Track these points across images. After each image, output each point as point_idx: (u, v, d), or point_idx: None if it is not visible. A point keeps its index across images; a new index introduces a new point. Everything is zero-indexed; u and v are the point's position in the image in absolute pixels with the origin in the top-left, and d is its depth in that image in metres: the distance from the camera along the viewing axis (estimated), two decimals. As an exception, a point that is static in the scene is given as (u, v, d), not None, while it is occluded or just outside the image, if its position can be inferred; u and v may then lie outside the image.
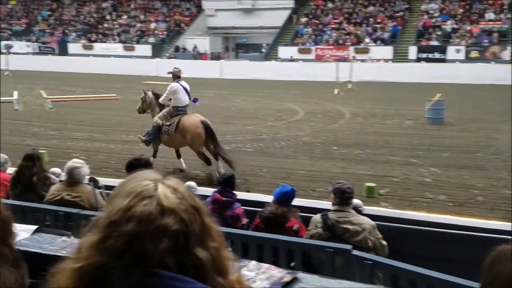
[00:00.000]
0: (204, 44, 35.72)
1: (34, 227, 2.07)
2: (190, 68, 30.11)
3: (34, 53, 36.47)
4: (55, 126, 13.53)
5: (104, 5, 40.75)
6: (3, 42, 37.13)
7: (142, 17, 38.55)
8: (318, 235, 4.13)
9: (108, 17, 39.27)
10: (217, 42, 37.40)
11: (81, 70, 31.34)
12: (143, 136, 9.70)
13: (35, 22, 40.55)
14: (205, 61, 33.12)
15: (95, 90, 22.20)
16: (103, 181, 5.41)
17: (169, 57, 33.85)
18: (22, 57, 34.61)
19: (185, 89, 9.45)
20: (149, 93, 9.99)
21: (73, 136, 12.28)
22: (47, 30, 39.14)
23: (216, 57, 34.33)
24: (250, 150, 10.97)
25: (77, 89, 22.42)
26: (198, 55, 34.32)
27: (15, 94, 18.77)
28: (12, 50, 35.15)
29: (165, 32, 36.85)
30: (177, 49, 35.42)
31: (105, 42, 36.47)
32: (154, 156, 9.32)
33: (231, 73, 29.07)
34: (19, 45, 37.27)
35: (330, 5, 35.43)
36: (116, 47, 35.57)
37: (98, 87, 23.18)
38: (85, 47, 36.15)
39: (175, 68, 9.97)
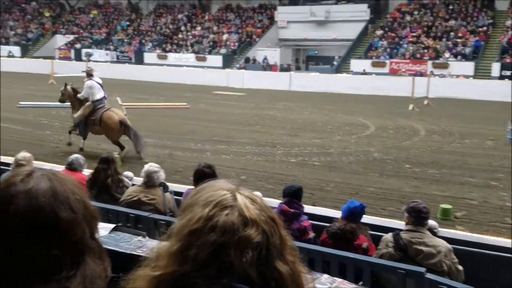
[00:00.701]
0: (274, 55, 35.90)
1: (112, 225, 2.11)
2: (259, 80, 30.47)
3: (112, 62, 38.18)
4: (129, 132, 13.91)
5: (179, 16, 42.08)
6: (84, 50, 39.22)
7: (215, 28, 39.40)
8: (389, 255, 3.92)
9: (183, 28, 40.48)
10: (288, 54, 37.45)
11: (155, 79, 32.40)
12: (75, 131, 11.31)
13: (114, 31, 42.54)
14: (274, 73, 33.23)
15: (167, 98, 22.77)
16: (171, 187, 5.49)
17: (239, 68, 34.31)
18: (101, 65, 36.35)
19: (99, 84, 11.23)
20: (68, 88, 11.57)
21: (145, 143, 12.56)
22: (125, 40, 40.93)
23: (285, 68, 34.34)
24: (317, 164, 10.72)
25: (151, 97, 23.09)
26: (267, 67, 34.52)
27: (92, 100, 19.69)
28: (92, 58, 36.99)
29: (236, 43, 37.40)
30: (247, 60, 35.83)
31: (178, 52, 37.57)
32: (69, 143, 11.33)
33: (300, 85, 28.92)
34: (98, 54, 39.18)
35: (408, 18, 34.50)
36: (189, 57, 36.53)
37: (170, 96, 23.77)
38: (160, 57, 37.41)
39: (88, 67, 12.40)
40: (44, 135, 13.06)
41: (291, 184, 5.37)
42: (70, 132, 11.52)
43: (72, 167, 6.04)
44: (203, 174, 4.91)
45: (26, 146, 11.33)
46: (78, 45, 40.99)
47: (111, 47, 40.29)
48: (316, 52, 38.06)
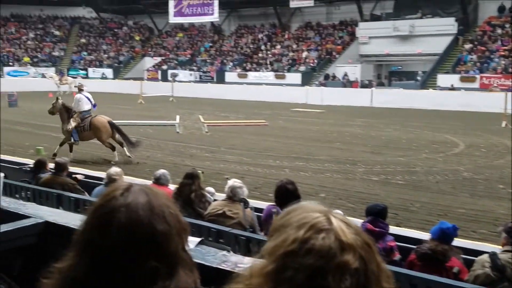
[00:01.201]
0: (355, 71, 35.33)
1: (198, 239, 2.13)
2: (339, 96, 30.08)
3: (195, 81, 39.52)
4: (210, 148, 14.17)
5: (260, 36, 42.78)
6: (170, 71, 40.94)
7: (294, 46, 39.58)
8: (486, 275, 3.66)
9: (262, 47, 41.09)
10: (369, 70, 36.70)
11: (235, 97, 33.08)
12: (70, 141, 12.38)
13: (198, 53, 44.09)
14: (355, 89, 32.65)
15: (247, 116, 23.09)
16: (251, 203, 5.55)
17: (318, 85, 34.12)
18: (185, 84, 37.76)
19: (87, 98, 12.68)
20: (59, 101, 12.76)
21: (225, 159, 12.71)
22: (208, 60, 42.25)
23: (366, 84, 33.62)
24: (401, 183, 10.23)
25: (231, 115, 23.53)
26: (348, 83, 33.99)
27: (177, 118, 20.38)
28: (177, 79, 38.52)
29: (315, 60, 37.28)
30: (326, 77, 35.55)
31: (258, 70, 38.11)
32: (71, 150, 12.30)
33: (382, 101, 28.16)
34: (183, 74, 40.73)
35: (499, 31, 32.60)
36: (268, 75, 36.91)
37: (249, 113, 24.08)
38: (240, 75, 38.16)
39: (79, 83, 14.68)
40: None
41: (375, 203, 5.12)
42: (61, 145, 12.42)
43: (160, 182, 6.26)
44: (286, 191, 4.91)
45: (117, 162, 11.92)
46: (164, 67, 42.90)
47: (195, 67, 41.74)
48: (400, 67, 36.98)
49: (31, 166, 8.34)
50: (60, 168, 6.96)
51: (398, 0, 36.50)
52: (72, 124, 12.12)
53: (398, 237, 5.05)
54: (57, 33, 48.33)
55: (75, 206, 6.02)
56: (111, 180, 6.31)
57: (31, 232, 2.15)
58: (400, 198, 9.00)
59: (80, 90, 12.87)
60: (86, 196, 6.59)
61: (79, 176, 7.60)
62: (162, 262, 1.06)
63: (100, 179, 8.33)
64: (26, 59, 44.08)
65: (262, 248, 1.02)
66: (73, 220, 2.24)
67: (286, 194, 4.89)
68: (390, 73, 37.63)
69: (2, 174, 2.49)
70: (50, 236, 2.18)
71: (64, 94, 34.28)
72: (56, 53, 46.18)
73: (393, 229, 5.62)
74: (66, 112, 12.47)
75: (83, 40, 48.01)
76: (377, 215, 4.57)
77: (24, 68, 43.14)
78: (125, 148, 12.15)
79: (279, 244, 0.97)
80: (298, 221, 0.98)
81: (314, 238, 0.94)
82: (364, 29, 36.27)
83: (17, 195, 6.30)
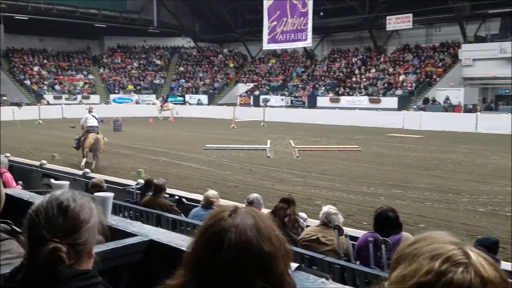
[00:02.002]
0: (458, 95, 33.50)
1: (296, 264, 2.09)
2: (440, 121, 28.72)
3: (287, 106, 39.83)
4: (301, 173, 14.08)
5: (354, 60, 42.35)
6: (262, 97, 41.68)
7: (390, 69, 38.63)
8: None
9: (356, 71, 40.57)
10: (473, 94, 34.64)
11: (327, 122, 32.82)
12: (74, 145, 16.00)
13: (290, 78, 44.54)
14: (458, 114, 30.93)
15: (339, 141, 22.75)
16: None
17: (416, 109, 32.86)
18: (276, 109, 38.20)
19: (94, 116, 16.07)
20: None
21: (316, 184, 12.54)
22: (300, 85, 42.48)
23: (470, 109, 31.75)
24: (510, 215, 9.41)
25: (322, 140, 23.31)
26: (450, 107, 32.34)
27: (268, 143, 20.59)
28: (268, 104, 39.08)
29: (414, 84, 36.03)
30: (426, 101, 34.14)
31: (351, 95, 37.59)
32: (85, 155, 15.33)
33: (488, 127, 26.46)
34: (275, 99, 41.26)
35: None
36: (362, 100, 36.23)
37: (342, 138, 23.72)
38: (332, 100, 37.86)
39: (90, 106, 18.28)
40: (225, 174, 13.91)
41: (486, 236, 4.72)
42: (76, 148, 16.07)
43: (253, 206, 6.26)
44: (387, 218, 4.71)
45: (210, 184, 12.23)
46: (257, 92, 43.79)
47: (286, 92, 42.14)
48: (507, 91, 34.57)
49: (139, 186, 8.79)
50: (159, 189, 7.23)
51: (504, 20, 34.43)
52: (80, 134, 15.87)
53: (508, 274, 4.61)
54: (158, 62, 51.36)
55: (173, 226, 6.20)
56: (208, 202, 6.46)
57: (136, 249, 2.20)
58: (509, 231, 8.26)
59: (90, 111, 16.58)
60: (183, 217, 6.77)
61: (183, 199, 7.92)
62: (269, 282, 1.08)
63: (194, 200, 8.57)
64: (130, 87, 47.20)
65: (389, 276, 1.00)
66: (175, 239, 2.27)
67: (387, 222, 4.67)
68: (496, 97, 35.26)
69: (112, 194, 2.60)
70: (154, 254, 2.21)
71: (164, 119, 36.18)
72: (157, 81, 49.01)
73: (502, 265, 5.16)
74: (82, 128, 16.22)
75: (181, 68, 50.54)
76: (488, 249, 4.20)
77: (128, 95, 46.21)
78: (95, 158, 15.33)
79: (410, 273, 0.94)
80: (431, 252, 0.95)
81: (452, 271, 0.90)
82: (467, 51, 34.46)
83: (120, 214, 6.62)
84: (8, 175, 8.30)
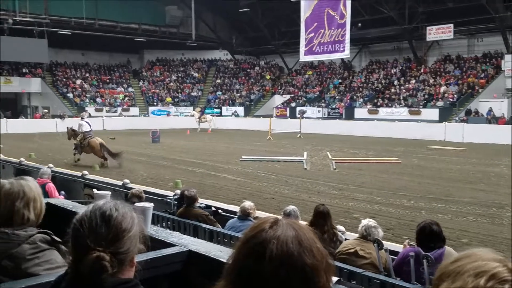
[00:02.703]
0: (501, 107, 32.48)
1: (336, 278, 2.07)
2: (483, 133, 27.89)
3: (323, 118, 39.60)
4: (338, 186, 13.92)
5: (393, 71, 41.80)
6: (298, 108, 41.61)
7: (431, 81, 37.90)
8: None
9: (396, 82, 40.00)
10: (517, 105, 33.56)
11: (365, 134, 32.42)
12: (74, 150, 18.24)
13: (327, 89, 44.32)
14: (501, 126, 29.96)
15: (377, 153, 22.40)
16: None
17: (458, 121, 32.06)
18: (313, 121, 38.03)
19: (88, 123, 18.38)
20: (69, 128, 19.35)
21: (353, 197, 12.36)
22: (337, 97, 42.19)
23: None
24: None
25: (360, 152, 23.01)
26: (493, 119, 31.38)
27: (305, 155, 20.48)
28: (305, 115, 38.96)
29: (455, 95, 35.21)
30: (468, 112, 33.25)
31: (390, 106, 37.05)
32: (77, 159, 18.06)
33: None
34: (311, 111, 41.10)
35: None
36: (402, 111, 35.64)
37: (380, 150, 23.34)
38: (370, 111, 37.41)
39: (82, 113, 21.57)
40: (261, 186, 13.90)
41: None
42: (74, 154, 18.30)
43: (289, 218, 6.19)
44: (431, 232, 4.59)
45: (247, 196, 12.23)
46: (293, 104, 43.75)
47: (323, 104, 41.92)
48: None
49: (176, 197, 8.90)
50: (191, 200, 7.27)
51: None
52: (76, 142, 18.24)
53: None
54: (196, 74, 52.13)
55: (210, 237, 6.22)
56: (244, 213, 6.47)
57: (176, 259, 2.21)
58: None
59: (82, 118, 19.35)
60: (220, 228, 6.79)
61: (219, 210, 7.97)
62: None
63: (231, 212, 8.59)
64: (168, 99, 48.05)
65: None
66: (214, 250, 2.27)
67: (431, 236, 4.56)
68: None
69: (152, 204, 2.63)
70: (192, 264, 2.22)
71: (201, 131, 36.60)
72: (194, 93, 49.71)
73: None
74: (74, 134, 18.58)
75: (218, 81, 51.11)
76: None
77: (166, 107, 47.04)
78: (108, 161, 17.50)
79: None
80: (475, 269, 0.95)
81: None
82: (510, 62, 33.49)
83: (158, 225, 6.70)
84: (51, 185, 8.56)
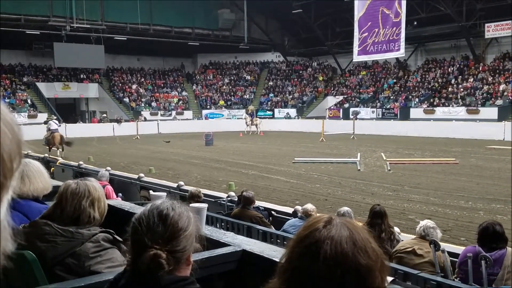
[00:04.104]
0: None
1: (390, 278, 2.06)
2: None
3: (377, 119, 38.86)
4: (393, 187, 13.65)
5: (450, 69, 40.46)
6: (352, 109, 41.04)
7: (490, 79, 36.38)
8: None
9: (453, 81, 38.70)
10: None
11: (421, 134, 31.55)
12: (44, 143, 22.44)
13: (381, 90, 43.44)
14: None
15: (433, 153, 21.76)
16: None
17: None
18: (367, 122, 37.39)
19: (55, 122, 23.45)
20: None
21: (409, 198, 12.10)
22: (391, 97, 41.29)
23: None
24: None
25: (415, 152, 22.42)
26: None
27: (359, 156, 20.18)
28: (359, 116, 38.38)
29: (515, 94, 33.64)
30: (529, 111, 31.71)
31: (447, 106, 35.87)
32: (50, 150, 22.15)
33: None
34: (365, 112, 40.45)
35: None
36: (459, 111, 34.45)
37: (437, 151, 22.65)
38: (426, 111, 36.36)
39: (51, 116, 32.21)
40: (314, 188, 13.82)
41: None
42: (43, 144, 22.42)
43: None
44: (494, 232, 4.49)
45: (299, 197, 12.24)
46: (346, 105, 43.21)
47: (378, 104, 41.15)
48: None
49: (230, 198, 9.03)
50: (248, 202, 7.36)
51: None
52: (45, 135, 22.74)
53: None
54: (248, 77, 52.52)
55: (263, 238, 6.26)
56: (307, 215, 6.51)
57: (230, 259, 2.25)
58: None
59: (51, 119, 25.60)
60: (273, 229, 6.82)
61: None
62: None
63: (284, 213, 8.60)
64: (221, 102, 48.68)
65: None
66: (267, 250, 2.29)
67: (494, 236, 4.43)
68: None
69: (206, 205, 2.69)
70: (246, 264, 2.25)
71: (253, 133, 36.84)
72: (246, 96, 50.10)
73: None
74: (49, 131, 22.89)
75: (270, 83, 51.26)
76: None
77: (219, 110, 47.68)
78: (60, 150, 22.25)
79: None
80: None
81: None
82: None
83: (212, 225, 6.81)
84: (109, 188, 8.88)
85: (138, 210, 1.62)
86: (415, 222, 8.51)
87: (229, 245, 2.33)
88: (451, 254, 5.22)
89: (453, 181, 14.44)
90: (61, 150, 22.44)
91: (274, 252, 2.17)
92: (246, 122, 37.93)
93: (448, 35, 40.02)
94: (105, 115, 43.67)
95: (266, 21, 51.43)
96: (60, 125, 25.51)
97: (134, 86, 48.28)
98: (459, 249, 5.69)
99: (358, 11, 40.48)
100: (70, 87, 44.78)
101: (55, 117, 29.28)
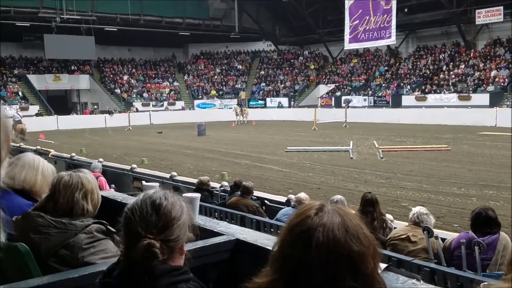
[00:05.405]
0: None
1: (384, 265, 2.07)
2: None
3: (369, 106, 38.94)
4: (385, 175, 13.71)
5: (441, 56, 40.55)
6: (343, 97, 41.08)
7: (481, 65, 36.51)
8: None
9: (444, 67, 38.80)
10: None
11: (413, 121, 31.68)
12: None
13: (372, 77, 43.50)
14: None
15: (425, 140, 21.87)
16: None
17: (510, 106, 30.78)
18: (359, 110, 37.47)
19: (19, 114, 27.90)
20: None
21: (402, 186, 12.16)
22: (383, 85, 41.36)
23: None
24: None
25: (408, 140, 22.52)
26: (547, 103, 29.99)
27: (351, 144, 20.24)
28: (350, 104, 38.43)
29: (506, 80, 33.80)
30: (520, 96, 31.90)
31: (439, 93, 36.01)
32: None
33: None
34: (357, 100, 40.51)
35: None
36: (450, 97, 34.60)
37: (429, 138, 22.76)
38: (418, 98, 36.49)
39: (17, 108, 33.46)
40: (307, 177, 13.86)
41: None
42: None
43: None
44: (486, 217, 4.53)
45: (292, 186, 12.26)
46: (338, 93, 43.24)
47: (369, 92, 41.21)
48: None
49: (223, 188, 9.04)
50: (247, 191, 7.38)
51: None
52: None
53: None
54: (239, 67, 52.36)
55: (257, 228, 6.28)
56: (300, 204, 6.51)
57: (224, 248, 2.26)
58: None
59: (17, 111, 29.99)
60: (267, 219, 6.84)
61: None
62: (359, 282, 1.06)
63: (277, 202, 8.62)
64: (213, 92, 48.54)
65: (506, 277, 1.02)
66: (261, 238, 2.30)
67: (486, 221, 4.48)
68: None
69: (199, 195, 2.69)
70: (240, 252, 2.26)
71: (243, 123, 36.81)
72: (238, 86, 49.98)
73: None
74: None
75: (262, 72, 51.14)
76: None
77: (211, 100, 47.55)
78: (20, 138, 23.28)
79: None
80: None
81: None
82: None
83: (206, 215, 6.81)
84: (102, 179, 8.85)
85: (131, 201, 1.61)
86: (408, 209, 8.56)
87: (223, 234, 2.34)
88: (445, 240, 5.26)
89: (445, 167, 14.52)
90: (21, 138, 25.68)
91: (268, 241, 2.18)
92: (235, 113, 37.90)
93: (439, 21, 40.04)
94: (96, 106, 43.43)
95: (257, 10, 51.15)
96: (22, 116, 28.55)
97: (125, 77, 47.99)
98: (452, 236, 5.74)
99: (349, -1, 40.41)
100: (61, 79, 44.48)
101: (19, 109, 32.53)
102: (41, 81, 43.17)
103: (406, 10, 40.64)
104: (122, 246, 1.56)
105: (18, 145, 20.72)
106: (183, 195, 2.76)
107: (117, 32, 44.67)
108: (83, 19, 40.99)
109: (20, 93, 40.91)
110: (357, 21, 40.19)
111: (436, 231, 5.33)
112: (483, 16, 35.61)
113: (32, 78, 42.89)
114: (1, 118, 0.68)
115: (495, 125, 27.90)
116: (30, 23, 40.48)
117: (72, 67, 45.72)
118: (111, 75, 47.74)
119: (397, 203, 10.30)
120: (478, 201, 10.09)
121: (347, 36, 41.20)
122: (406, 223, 5.45)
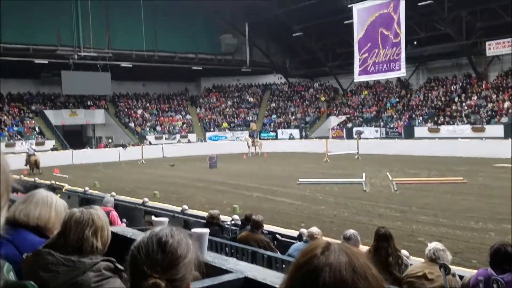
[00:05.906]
0: None
1: None
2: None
3: (381, 138, 38.78)
4: (400, 208, 13.52)
5: (453, 87, 40.54)
6: (355, 129, 41.03)
7: (494, 96, 36.38)
8: None
9: (456, 99, 38.72)
10: None
11: (426, 153, 31.38)
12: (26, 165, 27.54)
13: (384, 109, 43.49)
14: None
15: (440, 173, 21.61)
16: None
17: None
18: (371, 141, 37.32)
19: (33, 148, 29.71)
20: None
21: (417, 219, 11.96)
22: (395, 116, 41.29)
23: None
24: None
25: (422, 172, 22.27)
26: None
27: (364, 176, 20.05)
28: (362, 136, 38.33)
29: (520, 111, 33.57)
30: (535, 127, 31.57)
31: (452, 124, 35.82)
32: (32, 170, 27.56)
33: None
34: (368, 131, 40.39)
35: None
36: (464, 129, 34.37)
37: (443, 170, 22.50)
38: (431, 130, 36.30)
39: (31, 142, 35.00)
40: (320, 209, 13.72)
41: None
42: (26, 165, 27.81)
43: (349, 242, 6.06)
44: (506, 254, 4.35)
45: (305, 220, 12.13)
46: (349, 124, 43.22)
47: (381, 123, 41.14)
48: None
49: (234, 222, 8.96)
50: (257, 225, 7.30)
51: None
52: (26, 158, 28.05)
53: None
54: (251, 99, 52.80)
55: (268, 263, 6.18)
56: (312, 239, 6.43)
57: (232, 286, 2.21)
58: None
59: (32, 144, 31.71)
60: (279, 254, 6.73)
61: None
62: None
63: (289, 237, 8.51)
64: (225, 124, 48.85)
65: None
66: (271, 276, 2.25)
67: (506, 258, 4.33)
68: None
69: (208, 230, 2.66)
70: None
71: (256, 155, 36.82)
72: (249, 118, 50.27)
73: None
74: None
75: (273, 104, 51.47)
76: None
77: (222, 132, 47.80)
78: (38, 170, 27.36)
79: None
80: None
81: None
82: None
83: (217, 251, 6.73)
84: (114, 214, 8.85)
85: (139, 236, 1.60)
86: (424, 244, 8.38)
87: (231, 272, 2.30)
88: (463, 278, 5.10)
89: (461, 201, 14.30)
90: (35, 170, 27.77)
91: (277, 279, 2.13)
92: (247, 144, 38.02)
93: (449, 54, 40.20)
94: (110, 140, 43.87)
95: (267, 44, 51.96)
96: (36, 150, 30.12)
97: (139, 111, 48.57)
98: (470, 273, 5.58)
99: (358, 33, 40.79)
100: (77, 114, 45.17)
101: (34, 144, 33.99)
102: (57, 116, 43.85)
103: (415, 43, 40.92)
104: (128, 284, 1.53)
105: (33, 179, 20.92)
106: (192, 230, 2.73)
107: (132, 67, 45.53)
108: (100, 56, 41.85)
109: (37, 128, 41.52)
110: (366, 54, 40.49)
111: (453, 268, 5.20)
112: (493, 48, 35.70)
113: (49, 113, 43.59)
114: (2, 167, 0.67)
115: (511, 157, 27.54)
116: (48, 60, 41.39)
117: (88, 102, 46.45)
118: (126, 109, 48.36)
119: (412, 238, 10.11)
120: (496, 235, 9.86)
121: (356, 69, 41.44)
122: (423, 259, 5.32)
